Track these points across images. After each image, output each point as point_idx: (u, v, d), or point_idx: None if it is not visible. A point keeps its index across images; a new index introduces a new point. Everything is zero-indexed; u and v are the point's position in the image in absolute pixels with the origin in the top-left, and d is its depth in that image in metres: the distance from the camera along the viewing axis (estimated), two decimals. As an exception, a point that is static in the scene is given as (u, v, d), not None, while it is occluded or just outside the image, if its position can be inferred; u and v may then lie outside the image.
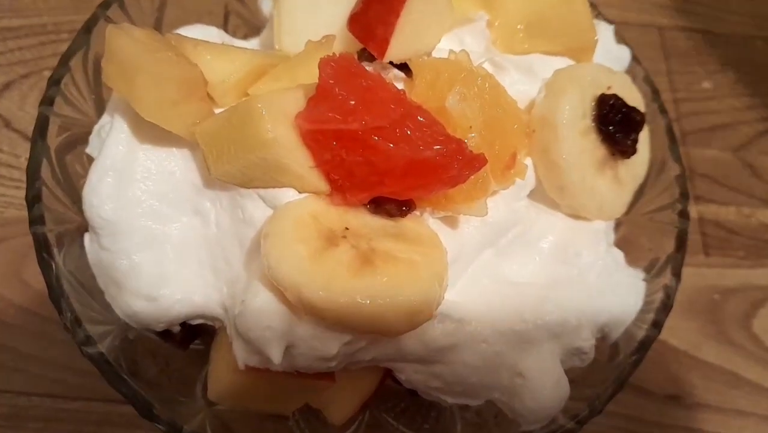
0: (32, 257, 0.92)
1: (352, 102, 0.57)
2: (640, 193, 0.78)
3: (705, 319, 1.02)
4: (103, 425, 0.87)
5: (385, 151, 0.57)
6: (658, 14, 1.28)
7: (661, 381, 0.97)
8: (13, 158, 1.00)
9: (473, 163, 0.58)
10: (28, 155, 0.98)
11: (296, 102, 0.60)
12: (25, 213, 0.95)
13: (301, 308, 0.57)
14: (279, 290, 0.58)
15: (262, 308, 0.58)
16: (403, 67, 0.68)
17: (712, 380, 0.99)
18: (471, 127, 0.63)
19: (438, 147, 0.58)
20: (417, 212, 0.65)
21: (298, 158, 0.60)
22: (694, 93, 1.21)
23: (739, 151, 1.17)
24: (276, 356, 0.57)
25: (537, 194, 0.73)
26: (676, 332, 1.00)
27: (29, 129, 1.01)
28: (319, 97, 0.58)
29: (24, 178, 0.97)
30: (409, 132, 0.58)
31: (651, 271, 0.75)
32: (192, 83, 0.63)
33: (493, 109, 0.64)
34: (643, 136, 0.75)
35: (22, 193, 0.96)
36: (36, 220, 0.65)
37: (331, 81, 0.57)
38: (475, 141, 0.62)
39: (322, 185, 0.61)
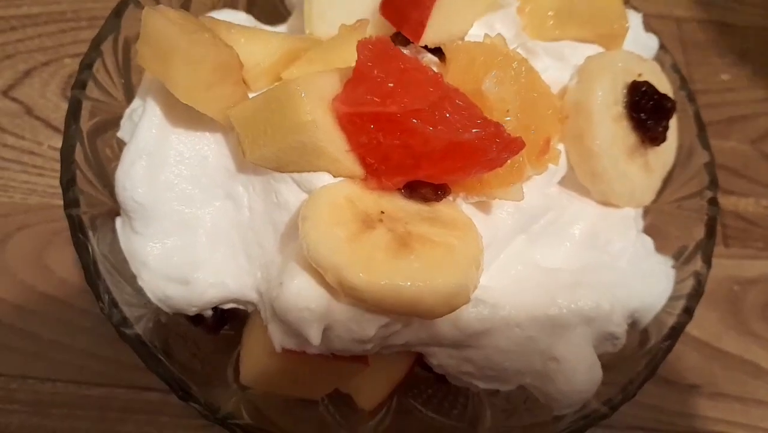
0: (56, 244, 0.94)
1: (390, 84, 0.57)
2: (667, 181, 0.78)
3: (725, 310, 1.03)
4: (127, 411, 0.86)
5: (424, 134, 0.57)
6: (676, 6, 1.28)
7: (682, 371, 0.97)
8: (35, 145, 0.99)
9: (511, 146, 0.58)
10: (50, 143, 1.00)
11: (333, 85, 0.60)
12: (47, 200, 0.97)
13: (340, 290, 0.57)
14: (317, 273, 0.58)
15: (300, 290, 0.58)
16: (437, 51, 0.68)
17: (733, 370, 0.99)
18: (508, 111, 0.63)
19: (476, 130, 0.58)
20: (450, 198, 0.65)
21: (335, 142, 0.60)
22: (711, 85, 1.21)
23: (758, 142, 1.17)
24: (315, 337, 0.57)
25: (568, 181, 0.73)
26: (697, 323, 0.99)
27: (51, 116, 1.02)
28: (357, 80, 0.58)
29: (46, 165, 0.99)
30: (447, 115, 0.58)
31: (679, 258, 0.75)
32: (228, 66, 0.63)
33: (529, 93, 0.64)
34: (672, 124, 0.75)
35: (45, 180, 0.98)
36: (71, 202, 0.65)
37: (369, 63, 0.57)
38: (511, 125, 0.62)
39: (357, 169, 0.61)
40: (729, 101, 1.20)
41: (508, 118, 0.63)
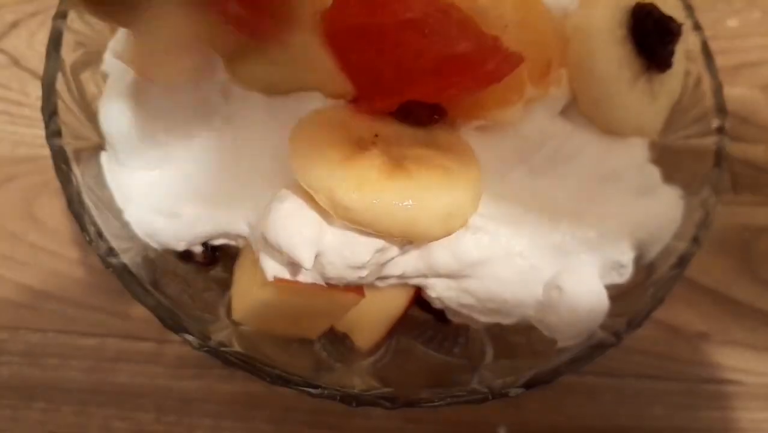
0: (45, 194, 0.92)
1: (382, -7, 0.54)
2: (673, 111, 0.75)
3: (735, 257, 1.00)
4: (120, 361, 0.85)
5: (416, 45, 0.55)
6: (681, -47, 1.24)
7: (691, 319, 0.95)
8: (23, 96, 0.97)
9: (510, 59, 0.56)
10: (37, 93, 0.96)
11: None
12: (37, 150, 0.94)
13: (332, 211, 0.54)
14: (308, 195, 0.56)
15: (291, 213, 0.56)
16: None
17: (743, 318, 0.96)
18: (506, 27, 0.60)
19: (472, 43, 0.55)
20: (447, 122, 0.62)
21: (323, 57, 0.57)
22: (719, 31, 1.17)
23: (767, 89, 1.13)
24: (307, 260, 0.55)
25: (571, 111, 0.70)
26: (706, 271, 0.97)
27: (38, 67, 0.98)
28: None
29: (34, 115, 0.96)
30: (441, 24, 0.55)
31: (688, 190, 0.72)
32: None
33: (529, 9, 0.61)
34: (678, 51, 0.72)
35: (33, 131, 0.96)
36: (53, 133, 0.62)
37: (360, -27, 0.54)
38: (510, 42, 0.59)
39: (349, 87, 0.59)
40: (737, 48, 1.16)
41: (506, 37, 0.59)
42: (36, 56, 0.99)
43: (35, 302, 0.86)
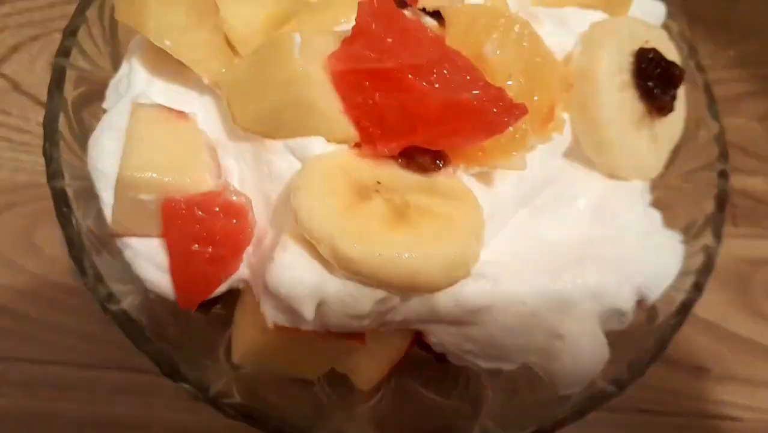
0: (44, 222, 0.91)
1: (390, 40, 0.54)
2: (675, 154, 0.75)
3: (733, 290, 1.00)
4: (118, 393, 0.84)
5: (421, 91, 0.55)
6: (682, -19, 1.24)
7: (689, 353, 0.95)
8: (23, 122, 0.97)
9: (514, 110, 0.56)
10: (38, 119, 0.97)
11: (328, 43, 0.58)
12: (36, 177, 0.94)
13: (334, 262, 0.54)
14: (310, 245, 0.55)
15: (293, 263, 0.56)
16: (436, 14, 0.64)
17: (741, 352, 0.96)
18: (510, 75, 0.60)
19: (476, 91, 0.55)
20: (450, 169, 0.62)
21: (329, 99, 0.57)
22: (718, 60, 1.17)
23: (766, 120, 1.13)
24: (308, 312, 0.55)
25: (572, 153, 0.70)
26: (704, 304, 0.95)
27: (39, 92, 0.99)
28: (356, 35, 0.55)
29: (34, 142, 0.96)
30: (446, 73, 0.55)
31: (689, 233, 0.72)
32: (203, 7, 0.61)
33: (532, 57, 0.61)
34: (680, 94, 0.72)
35: (33, 157, 0.96)
36: (54, 174, 0.62)
37: (369, 19, 0.54)
38: (514, 90, 0.59)
39: (352, 132, 0.59)
40: (736, 77, 1.17)
41: (510, 83, 0.60)
42: (37, 81, 0.99)
43: (33, 332, 0.86)
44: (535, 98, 0.61)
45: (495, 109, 0.55)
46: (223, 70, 0.62)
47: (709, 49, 1.19)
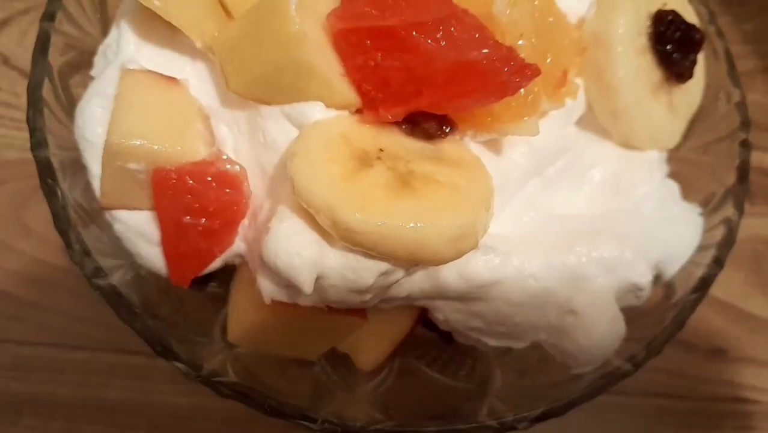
0: (35, 200, 0.88)
1: (393, -4, 0.50)
2: (693, 123, 0.72)
3: (750, 270, 0.96)
4: (111, 376, 0.81)
5: (426, 51, 0.51)
6: (696, -47, 1.20)
7: (704, 335, 0.91)
8: (12, 97, 0.93)
9: (526, 70, 0.52)
10: (28, 93, 0.93)
11: (328, 3, 0.54)
12: (26, 154, 0.88)
13: (334, 232, 0.51)
14: (308, 214, 0.52)
15: (290, 233, 0.52)
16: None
17: (758, 333, 0.93)
18: (521, 35, 0.56)
19: (486, 50, 0.52)
20: (457, 136, 0.59)
21: (328, 61, 0.54)
22: (734, 35, 1.13)
23: (783, 95, 1.10)
24: (307, 285, 0.52)
25: (586, 122, 0.66)
26: (719, 283, 0.92)
27: (29, 66, 0.95)
28: (356, -9, 0.51)
29: (24, 117, 0.92)
30: (454, 31, 0.51)
31: (707, 205, 0.68)
32: None
33: (544, 17, 0.58)
34: (699, 60, 0.68)
35: (23, 134, 0.90)
36: (39, 143, 0.59)
37: (370, -27, 0.50)
38: (525, 51, 0.56)
39: (353, 96, 0.55)
40: (752, 52, 1.13)
41: (521, 43, 0.56)
42: (27, 55, 0.93)
43: (23, 313, 0.83)
44: (548, 60, 0.58)
45: (506, 69, 0.51)
46: (216, 34, 0.59)
47: (724, 22, 1.14)
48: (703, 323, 0.91)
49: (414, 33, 0.50)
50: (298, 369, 0.65)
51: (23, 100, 0.93)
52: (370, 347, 0.66)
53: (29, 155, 0.88)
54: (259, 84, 0.55)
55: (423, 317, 0.66)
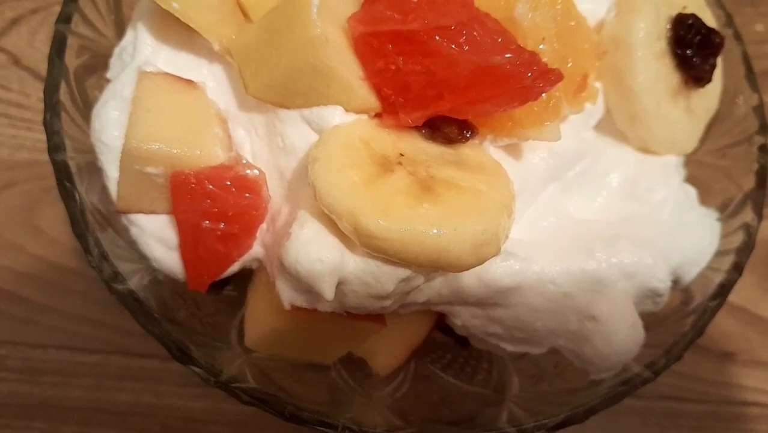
0: (46, 202, 0.87)
1: (414, 0, 0.50)
2: (708, 128, 0.71)
3: (763, 273, 0.96)
4: (123, 379, 0.81)
5: (448, 55, 0.51)
6: (707, -46, 1.20)
7: (716, 337, 0.91)
8: (23, 97, 0.93)
9: (548, 76, 0.51)
10: (39, 95, 0.92)
11: (348, 4, 0.54)
12: (37, 155, 0.90)
13: (355, 238, 0.50)
14: (329, 220, 0.52)
15: (311, 239, 0.52)
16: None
17: (770, 337, 0.93)
18: (543, 39, 0.56)
19: (509, 55, 0.51)
20: (477, 141, 0.58)
21: (348, 64, 0.53)
22: (746, 35, 1.12)
23: (795, 97, 1.09)
24: (328, 292, 0.51)
25: (604, 126, 0.66)
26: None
27: (40, 67, 0.95)
28: (379, -6, 0.51)
29: (35, 118, 0.92)
30: (476, 35, 0.51)
31: (725, 211, 0.68)
32: None
33: (566, 21, 0.57)
34: (717, 64, 0.68)
35: (34, 134, 0.92)
36: (56, 146, 0.58)
37: (392, -23, 0.50)
38: (546, 55, 0.55)
39: (373, 101, 0.55)
40: (765, 53, 1.12)
41: (543, 47, 0.56)
42: (37, 55, 0.95)
43: (35, 315, 0.82)
44: (569, 64, 0.58)
45: (529, 74, 0.51)
46: (234, 36, 0.58)
47: (736, 23, 1.14)
48: (715, 326, 0.91)
49: (436, 37, 0.50)
50: (314, 374, 0.64)
51: (34, 101, 0.93)
52: (387, 351, 0.65)
53: (40, 156, 0.89)
54: (278, 88, 0.54)
55: (439, 321, 0.66)
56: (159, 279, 0.61)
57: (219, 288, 0.64)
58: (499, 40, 0.52)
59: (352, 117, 0.56)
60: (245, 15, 0.60)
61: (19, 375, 0.80)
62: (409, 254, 0.50)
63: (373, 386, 0.66)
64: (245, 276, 0.65)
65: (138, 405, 0.80)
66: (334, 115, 0.55)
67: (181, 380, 0.81)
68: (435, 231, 0.50)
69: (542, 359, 0.65)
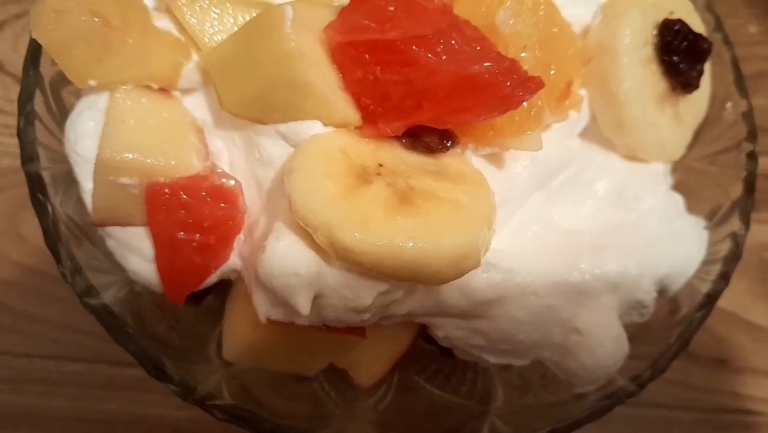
0: (29, 210, 0.84)
1: (392, 8, 0.49)
2: (697, 135, 0.70)
3: (754, 278, 0.95)
4: (109, 388, 0.80)
5: (427, 64, 0.50)
6: (701, -46, 1.18)
7: (708, 344, 0.90)
8: (6, 103, 0.92)
9: (529, 84, 0.50)
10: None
11: (324, 16, 0.53)
12: (20, 162, 0.89)
13: (332, 252, 0.49)
14: (306, 233, 0.51)
15: (287, 252, 0.51)
16: (443, -18, 0.59)
17: (762, 343, 0.92)
18: (525, 47, 0.55)
19: (488, 63, 0.50)
20: (458, 149, 0.57)
21: (326, 77, 0.52)
22: (740, 37, 1.11)
23: (789, 99, 1.08)
24: (303, 306, 0.50)
25: (590, 133, 0.65)
26: (724, 293, 0.92)
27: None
28: (355, 3, 0.50)
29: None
30: (455, 44, 0.50)
31: (713, 219, 0.67)
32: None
33: (548, 27, 0.56)
34: (705, 71, 0.67)
35: (17, 141, 0.90)
36: (29, 157, 0.57)
37: (369, -15, 0.49)
38: (528, 63, 0.54)
39: (352, 114, 0.53)
40: (758, 55, 1.11)
41: (524, 55, 0.55)
42: (21, 60, 0.92)
43: (18, 324, 0.82)
44: (552, 72, 0.56)
45: (509, 83, 0.50)
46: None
47: (730, 25, 1.13)
48: (706, 332, 0.90)
49: (414, 47, 0.49)
50: (296, 386, 0.63)
51: (17, 107, 0.92)
52: (369, 363, 0.64)
53: (24, 163, 0.88)
54: (254, 103, 0.53)
55: (423, 331, 0.65)
56: (137, 291, 0.60)
57: (198, 299, 0.63)
58: (478, 48, 0.51)
59: (330, 131, 0.55)
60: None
61: (3, 384, 0.79)
62: (387, 267, 0.49)
63: (356, 397, 0.65)
64: (226, 286, 0.64)
65: (123, 415, 0.80)
66: (312, 130, 0.54)
67: (167, 390, 0.79)
68: (413, 244, 0.49)
69: (528, 370, 0.64)
